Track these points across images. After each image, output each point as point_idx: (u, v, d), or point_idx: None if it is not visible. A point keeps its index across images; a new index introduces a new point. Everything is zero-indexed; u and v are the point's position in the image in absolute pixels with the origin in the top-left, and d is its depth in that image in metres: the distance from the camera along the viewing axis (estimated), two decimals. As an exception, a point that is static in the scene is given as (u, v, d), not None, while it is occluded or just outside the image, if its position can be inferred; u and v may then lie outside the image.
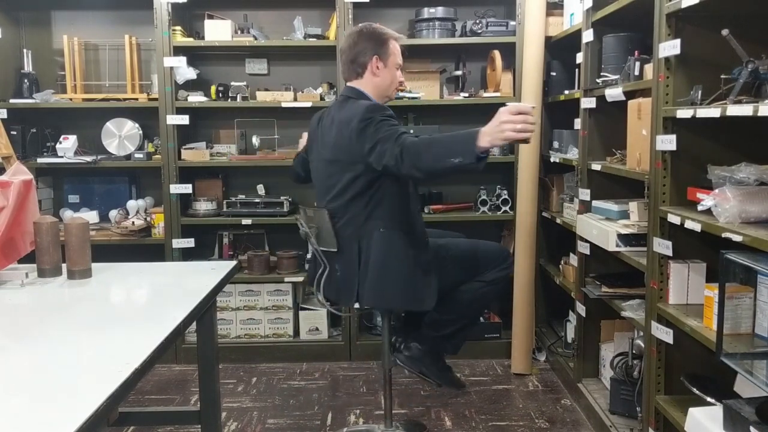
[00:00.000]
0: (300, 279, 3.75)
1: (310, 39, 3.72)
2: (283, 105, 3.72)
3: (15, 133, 3.60)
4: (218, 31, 3.68)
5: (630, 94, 2.63)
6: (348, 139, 2.33)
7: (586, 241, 2.96)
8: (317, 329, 3.84)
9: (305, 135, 2.79)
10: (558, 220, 3.52)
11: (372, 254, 2.38)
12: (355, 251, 2.41)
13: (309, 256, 2.75)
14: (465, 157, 2.04)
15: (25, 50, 3.86)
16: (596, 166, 2.91)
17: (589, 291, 2.93)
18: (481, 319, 3.89)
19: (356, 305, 2.48)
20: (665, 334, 2.28)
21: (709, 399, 2.11)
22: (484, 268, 2.57)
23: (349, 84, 2.53)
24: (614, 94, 2.69)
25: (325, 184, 2.49)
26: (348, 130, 2.33)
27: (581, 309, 3.11)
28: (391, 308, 2.58)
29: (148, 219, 3.79)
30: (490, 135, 2.01)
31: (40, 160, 3.72)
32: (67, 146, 3.74)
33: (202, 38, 3.74)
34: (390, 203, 2.40)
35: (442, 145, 2.13)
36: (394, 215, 2.41)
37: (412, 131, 2.27)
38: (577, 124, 3.18)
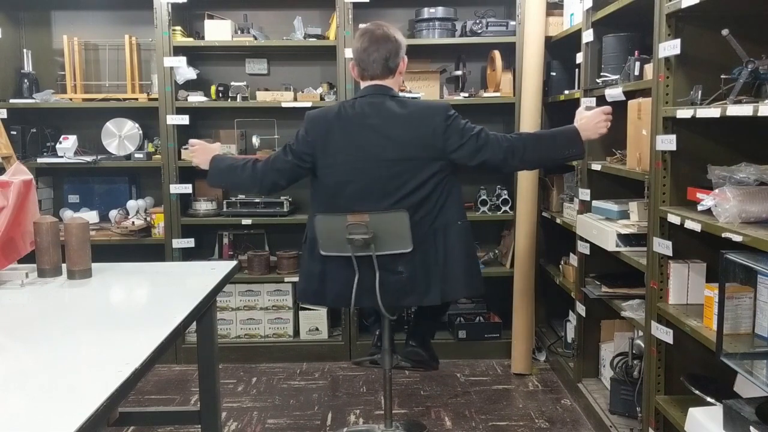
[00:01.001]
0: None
1: (310, 39, 3.72)
2: (283, 105, 3.71)
3: (15, 133, 3.60)
4: (218, 31, 3.68)
5: (630, 94, 2.63)
6: (431, 136, 2.37)
7: (586, 241, 2.96)
8: (317, 329, 3.84)
9: (195, 141, 2.68)
10: (558, 220, 3.52)
11: (456, 247, 2.42)
12: (432, 247, 2.40)
13: (312, 268, 2.48)
14: (576, 149, 2.47)
15: (25, 50, 3.86)
16: (596, 166, 2.91)
17: (589, 291, 2.93)
18: (481, 318, 3.90)
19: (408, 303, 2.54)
20: (665, 334, 2.28)
21: (709, 399, 2.11)
22: None
23: (378, 82, 2.45)
24: (614, 94, 2.69)
25: (386, 184, 2.38)
26: (431, 127, 2.37)
27: (581, 309, 3.11)
28: (478, 296, 2.71)
29: (148, 219, 3.78)
30: (589, 131, 2.46)
31: (40, 160, 3.72)
32: (67, 146, 3.74)
33: (202, 38, 3.74)
34: (455, 196, 2.48)
35: (549, 141, 2.51)
36: (460, 207, 2.51)
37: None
38: (577, 124, 3.17)
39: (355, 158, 2.40)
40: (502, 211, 3.78)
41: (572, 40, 3.28)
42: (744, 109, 1.77)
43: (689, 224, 2.06)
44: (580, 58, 3.14)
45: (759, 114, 1.69)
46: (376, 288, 2.37)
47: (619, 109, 2.74)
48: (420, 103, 2.48)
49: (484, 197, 3.78)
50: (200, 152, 2.62)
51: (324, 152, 2.43)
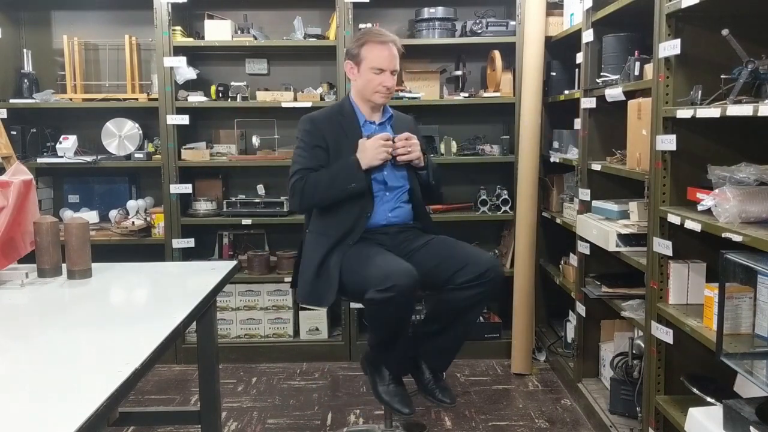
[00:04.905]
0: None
1: (310, 39, 3.72)
2: (283, 105, 3.71)
3: (15, 133, 3.60)
4: (218, 31, 3.68)
5: (630, 94, 2.63)
6: None
7: (586, 241, 2.96)
8: (317, 329, 3.84)
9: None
10: (558, 220, 3.52)
11: None
12: None
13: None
14: (358, 184, 2.43)
15: (25, 50, 3.86)
16: (596, 166, 2.91)
17: (589, 291, 2.93)
18: (481, 318, 3.89)
19: None
20: (665, 334, 2.28)
21: (709, 399, 2.11)
22: None
23: None
24: (614, 94, 2.69)
25: None
26: None
27: (581, 309, 3.11)
28: None
29: (148, 219, 3.78)
30: (368, 159, 2.43)
31: (40, 160, 3.72)
32: (67, 146, 3.74)
33: (202, 38, 3.74)
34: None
35: (327, 182, 2.45)
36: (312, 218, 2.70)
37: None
38: (577, 124, 3.18)
39: None
40: (502, 211, 3.78)
41: (572, 40, 3.29)
42: (744, 109, 1.77)
43: (689, 224, 2.06)
44: (580, 58, 3.14)
45: (759, 114, 1.69)
46: None
47: (619, 109, 2.75)
48: None
49: (484, 197, 3.77)
50: None
51: None
